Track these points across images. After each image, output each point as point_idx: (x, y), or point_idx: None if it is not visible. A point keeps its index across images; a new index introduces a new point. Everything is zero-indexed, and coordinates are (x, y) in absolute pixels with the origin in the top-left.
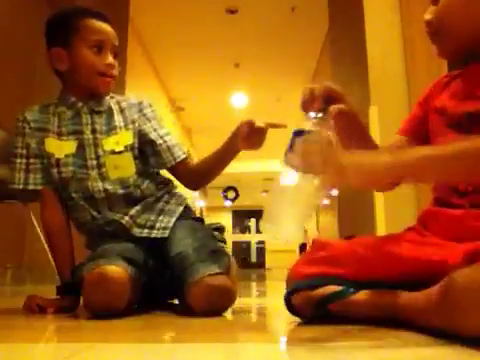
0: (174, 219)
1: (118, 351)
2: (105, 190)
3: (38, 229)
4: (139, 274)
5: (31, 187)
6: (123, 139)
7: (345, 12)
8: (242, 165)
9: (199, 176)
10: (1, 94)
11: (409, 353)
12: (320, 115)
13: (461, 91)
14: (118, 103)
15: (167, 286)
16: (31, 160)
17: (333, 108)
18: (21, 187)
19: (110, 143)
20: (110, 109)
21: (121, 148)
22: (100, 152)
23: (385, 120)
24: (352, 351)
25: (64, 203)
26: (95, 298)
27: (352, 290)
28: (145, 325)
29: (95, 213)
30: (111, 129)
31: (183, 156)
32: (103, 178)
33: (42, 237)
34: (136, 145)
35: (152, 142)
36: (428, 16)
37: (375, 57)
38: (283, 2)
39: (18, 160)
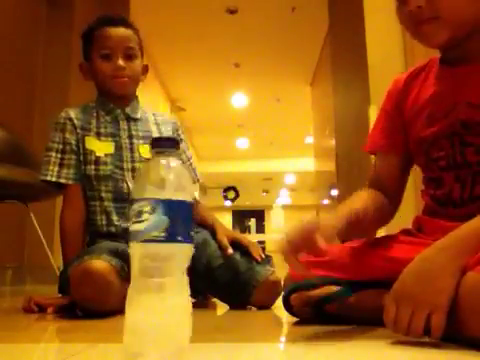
0: None
1: (118, 351)
2: None
3: (38, 229)
4: (124, 265)
5: (63, 181)
6: None
7: (345, 12)
8: (242, 165)
9: (194, 211)
10: (1, 94)
11: (408, 353)
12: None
13: (450, 94)
14: (154, 115)
15: None
16: (66, 155)
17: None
18: (54, 179)
19: (147, 151)
20: (146, 118)
21: None
22: (136, 157)
23: None
24: (351, 351)
25: (85, 204)
26: (82, 293)
27: (350, 291)
28: None
29: (115, 218)
30: (147, 137)
31: (200, 180)
32: None
33: (42, 237)
34: None
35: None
36: (420, 2)
37: (375, 57)
38: (283, 2)
39: (53, 154)
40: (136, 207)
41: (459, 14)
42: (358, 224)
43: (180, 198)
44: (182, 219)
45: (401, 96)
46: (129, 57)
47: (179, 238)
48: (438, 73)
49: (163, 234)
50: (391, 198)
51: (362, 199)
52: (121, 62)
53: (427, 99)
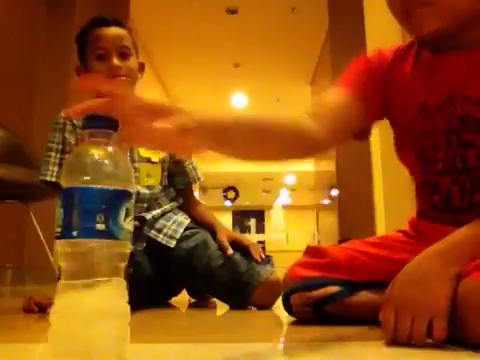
0: (182, 230)
1: None
2: (138, 193)
3: (38, 229)
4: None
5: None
6: (158, 151)
7: (345, 12)
8: (242, 165)
9: (194, 211)
10: (1, 94)
11: (408, 354)
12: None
13: (443, 84)
14: None
15: (167, 288)
16: (66, 156)
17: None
18: (53, 179)
19: (146, 151)
20: None
21: (156, 159)
22: (135, 157)
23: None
24: (351, 351)
25: None
26: None
27: (349, 292)
28: (144, 325)
29: None
30: None
31: (201, 178)
32: (136, 182)
33: (42, 237)
34: (167, 160)
35: (181, 162)
36: None
37: None
38: (283, 2)
39: (53, 154)
40: None
41: (456, 2)
42: (256, 133)
43: (77, 185)
44: (81, 210)
45: (387, 71)
46: (124, 56)
47: (74, 233)
48: (424, 57)
49: (59, 230)
50: (320, 135)
51: (276, 113)
52: (116, 61)
53: (417, 87)
